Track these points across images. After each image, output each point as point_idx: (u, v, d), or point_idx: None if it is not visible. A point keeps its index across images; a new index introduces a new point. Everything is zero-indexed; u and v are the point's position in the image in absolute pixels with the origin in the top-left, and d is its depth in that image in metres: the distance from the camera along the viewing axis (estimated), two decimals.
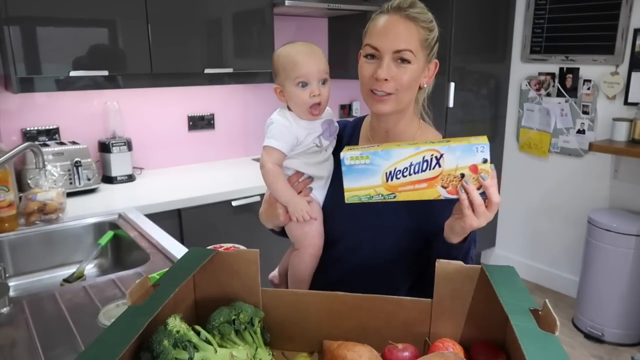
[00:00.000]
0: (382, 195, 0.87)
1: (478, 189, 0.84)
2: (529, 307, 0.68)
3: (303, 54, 1.04)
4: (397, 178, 0.85)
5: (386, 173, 0.85)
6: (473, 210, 0.85)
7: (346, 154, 0.86)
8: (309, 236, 1.09)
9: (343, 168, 0.87)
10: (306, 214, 1.05)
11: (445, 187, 0.84)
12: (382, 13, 1.01)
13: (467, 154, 0.82)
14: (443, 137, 1.09)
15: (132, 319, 0.65)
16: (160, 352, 0.69)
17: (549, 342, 0.61)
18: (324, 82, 1.05)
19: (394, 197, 0.87)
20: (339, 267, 1.11)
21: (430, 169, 0.83)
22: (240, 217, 2.19)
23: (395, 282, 1.09)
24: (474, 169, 0.83)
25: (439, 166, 0.83)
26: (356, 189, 0.87)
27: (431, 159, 0.83)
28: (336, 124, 1.14)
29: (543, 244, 3.24)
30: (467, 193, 0.84)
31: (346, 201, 0.88)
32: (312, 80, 1.03)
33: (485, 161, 0.82)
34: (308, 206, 1.06)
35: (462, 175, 0.83)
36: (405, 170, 0.84)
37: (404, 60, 0.97)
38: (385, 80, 0.98)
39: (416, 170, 0.84)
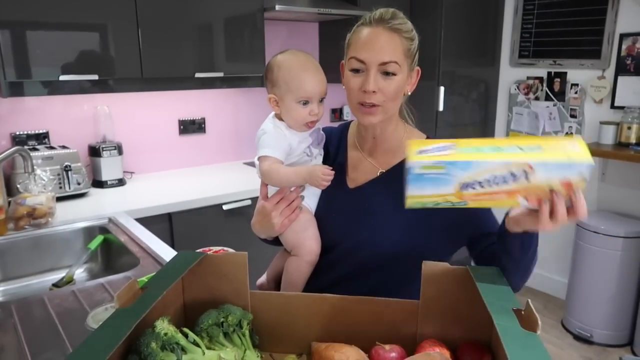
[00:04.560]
0: (452, 202, 0.76)
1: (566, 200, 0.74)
2: (512, 307, 0.69)
3: (309, 71, 1.03)
4: (473, 188, 0.73)
5: (462, 184, 0.73)
6: (552, 218, 0.76)
7: (415, 164, 0.73)
8: (306, 243, 1.08)
9: (409, 176, 0.74)
10: (328, 172, 0.99)
11: (526, 199, 0.75)
12: (363, 25, 1.01)
13: (562, 170, 0.72)
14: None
15: (119, 322, 0.65)
16: (148, 355, 0.69)
17: (530, 340, 0.62)
18: (322, 100, 1.06)
19: (465, 204, 0.76)
20: (335, 271, 1.10)
21: (515, 182, 0.73)
22: (231, 220, 2.19)
23: (392, 284, 1.08)
24: (568, 185, 0.73)
25: (527, 180, 0.72)
26: (422, 196, 0.76)
27: (520, 173, 0.72)
28: (322, 133, 1.14)
29: None
30: (552, 205, 0.75)
31: (406, 207, 0.78)
32: (314, 100, 1.03)
33: (583, 179, 0.72)
34: (325, 167, 1.00)
35: (551, 189, 0.73)
36: (485, 182, 0.73)
37: (389, 73, 0.99)
38: (374, 92, 0.99)
39: (498, 182, 0.73)
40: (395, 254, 1.05)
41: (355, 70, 1.01)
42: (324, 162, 1.14)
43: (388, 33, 0.99)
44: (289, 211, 1.07)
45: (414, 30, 1.03)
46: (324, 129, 1.18)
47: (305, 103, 1.03)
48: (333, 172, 1.00)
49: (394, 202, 1.04)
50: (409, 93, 1.08)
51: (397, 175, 1.05)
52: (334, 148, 1.18)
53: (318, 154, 1.11)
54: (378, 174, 1.10)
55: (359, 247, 1.07)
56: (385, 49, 0.98)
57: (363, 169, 1.12)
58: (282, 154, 1.05)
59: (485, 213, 1.06)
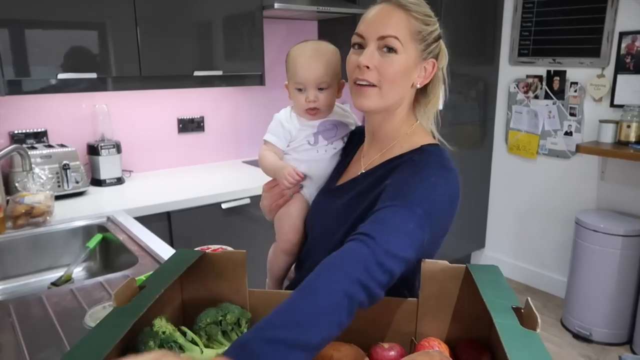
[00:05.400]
0: None
1: None
2: (512, 306, 0.69)
3: (304, 57, 1.03)
4: None
5: None
6: None
7: None
8: (284, 230, 1.11)
9: None
10: (293, 175, 1.04)
11: None
12: (375, 4, 0.95)
13: None
14: (432, 143, 0.98)
15: (117, 320, 0.65)
16: None
17: (530, 339, 0.61)
18: (324, 88, 1.03)
19: None
20: (305, 267, 1.09)
21: None
22: (230, 219, 2.19)
23: None
24: None
25: None
26: None
27: None
28: (350, 127, 1.12)
29: (532, 245, 3.26)
30: None
31: None
32: (308, 87, 1.03)
33: None
34: (293, 169, 1.05)
35: None
36: None
37: (390, 49, 0.90)
38: (368, 68, 0.90)
39: None
40: None
41: (357, 47, 0.94)
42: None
43: (393, 8, 0.91)
44: (278, 197, 1.10)
45: (432, 17, 0.94)
46: (360, 127, 1.14)
47: (301, 90, 1.04)
48: (299, 177, 1.04)
49: (351, 204, 0.98)
50: (419, 86, 0.96)
51: (371, 177, 0.98)
52: (353, 145, 1.13)
53: (327, 146, 1.09)
54: (359, 173, 1.02)
55: (313, 246, 1.07)
56: (386, 22, 0.90)
57: (354, 168, 1.06)
58: (279, 141, 1.09)
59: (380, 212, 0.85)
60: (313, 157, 1.09)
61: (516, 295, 0.73)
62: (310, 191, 1.12)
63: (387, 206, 0.83)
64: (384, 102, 0.94)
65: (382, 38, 0.90)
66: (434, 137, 1.01)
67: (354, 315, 0.71)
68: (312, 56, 1.03)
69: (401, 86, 0.94)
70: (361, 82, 0.92)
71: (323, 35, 2.98)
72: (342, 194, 1.01)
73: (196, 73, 2.25)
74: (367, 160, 1.03)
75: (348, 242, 0.78)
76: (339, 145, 1.11)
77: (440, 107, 1.08)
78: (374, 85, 0.92)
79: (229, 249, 1.08)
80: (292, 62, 1.05)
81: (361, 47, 0.93)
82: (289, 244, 1.11)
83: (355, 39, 0.94)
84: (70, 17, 1.92)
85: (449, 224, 0.92)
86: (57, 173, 2.02)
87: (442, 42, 0.99)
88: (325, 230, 1.02)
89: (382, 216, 0.82)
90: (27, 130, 2.18)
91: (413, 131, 0.99)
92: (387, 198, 0.86)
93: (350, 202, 0.98)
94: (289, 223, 1.10)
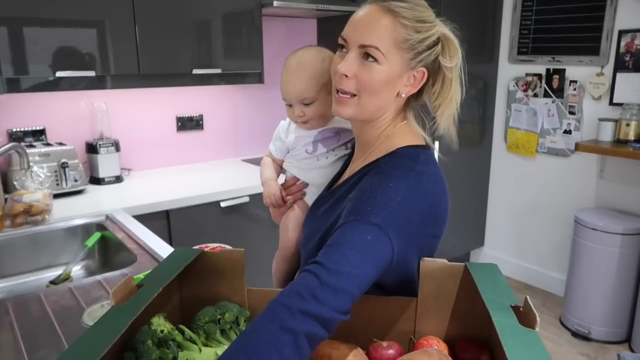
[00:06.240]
0: None
1: None
2: (510, 304, 0.69)
3: (286, 73, 1.01)
4: None
5: None
6: None
7: None
8: (282, 237, 1.12)
9: None
10: (275, 197, 1.09)
11: None
12: (365, 3, 0.89)
13: None
14: (411, 144, 0.93)
15: (115, 319, 0.65)
16: (144, 352, 0.68)
17: (528, 337, 0.61)
18: (308, 103, 1.01)
19: None
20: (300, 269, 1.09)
21: None
22: (229, 217, 2.19)
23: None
24: None
25: None
26: None
27: None
28: (350, 134, 1.08)
29: (531, 243, 3.27)
30: None
31: None
32: (293, 102, 1.02)
33: None
34: (279, 191, 1.09)
35: None
36: None
37: (369, 57, 0.84)
38: (347, 76, 0.85)
39: None
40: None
41: (342, 50, 0.89)
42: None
43: (381, 13, 0.84)
44: (276, 203, 1.11)
45: (427, 23, 0.87)
46: None
47: (288, 105, 1.04)
48: (279, 201, 1.08)
49: (328, 211, 0.96)
50: (404, 95, 0.90)
51: (348, 184, 0.95)
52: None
53: (328, 153, 1.07)
54: (342, 180, 1.00)
55: (302, 248, 1.07)
56: (370, 28, 0.84)
57: (346, 174, 1.03)
58: (276, 150, 1.13)
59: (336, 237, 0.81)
60: (313, 166, 1.08)
61: (515, 293, 0.73)
62: (312, 198, 1.11)
63: (344, 223, 0.80)
64: (361, 112, 0.89)
65: (363, 46, 0.84)
66: (423, 137, 0.95)
67: (306, 349, 0.67)
68: (294, 71, 1.00)
69: (382, 96, 0.88)
70: (340, 91, 0.88)
71: (322, 33, 2.98)
72: (327, 200, 0.99)
73: (195, 71, 2.25)
74: (353, 165, 0.99)
75: (299, 273, 0.76)
76: (341, 152, 1.08)
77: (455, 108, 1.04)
78: (354, 95, 0.87)
79: (228, 247, 1.08)
80: (281, 77, 1.03)
81: (344, 50, 0.89)
82: (287, 250, 1.11)
83: (340, 41, 0.89)
84: (68, 15, 1.92)
85: (429, 227, 0.87)
86: (55, 171, 2.02)
87: (448, 42, 0.93)
88: (307, 236, 1.02)
89: (336, 236, 0.79)
90: (26, 129, 2.17)
91: (394, 132, 0.94)
92: (345, 215, 0.83)
93: (328, 209, 0.96)
94: (287, 230, 1.10)
